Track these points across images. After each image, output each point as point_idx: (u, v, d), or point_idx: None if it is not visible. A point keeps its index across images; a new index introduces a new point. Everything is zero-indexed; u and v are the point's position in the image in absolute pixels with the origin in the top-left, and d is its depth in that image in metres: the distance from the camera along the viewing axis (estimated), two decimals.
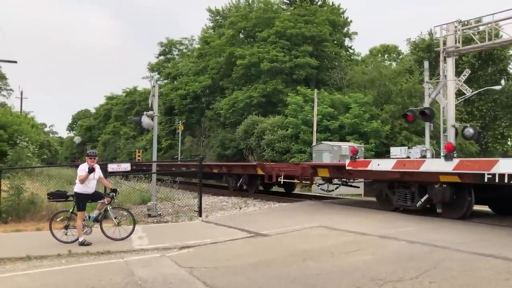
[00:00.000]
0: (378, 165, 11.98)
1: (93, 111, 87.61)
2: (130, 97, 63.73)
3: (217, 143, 38.75)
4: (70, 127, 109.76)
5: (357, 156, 12.99)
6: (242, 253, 8.51)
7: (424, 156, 16.16)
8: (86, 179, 9.51)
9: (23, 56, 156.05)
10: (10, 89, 55.38)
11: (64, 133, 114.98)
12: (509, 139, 41.25)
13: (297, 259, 7.61)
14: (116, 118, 66.21)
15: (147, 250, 9.12)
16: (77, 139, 69.82)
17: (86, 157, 10.04)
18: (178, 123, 41.38)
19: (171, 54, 63.54)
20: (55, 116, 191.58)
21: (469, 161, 9.35)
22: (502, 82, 39.47)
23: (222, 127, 41.08)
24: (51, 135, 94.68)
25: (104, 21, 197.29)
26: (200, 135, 44.01)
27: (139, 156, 42.49)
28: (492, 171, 8.66)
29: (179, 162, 32.10)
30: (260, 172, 18.94)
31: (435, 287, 5.69)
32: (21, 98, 51.50)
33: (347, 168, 13.01)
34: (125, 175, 20.48)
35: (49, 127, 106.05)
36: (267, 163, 21.80)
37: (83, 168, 9.66)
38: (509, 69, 40.18)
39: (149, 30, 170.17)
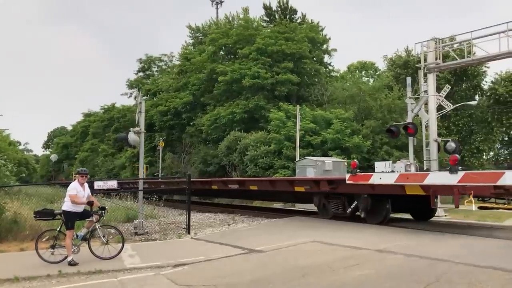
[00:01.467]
0: (380, 178, 11.99)
1: (69, 128, 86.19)
2: (108, 114, 62.91)
3: (199, 159, 38.48)
4: (46, 145, 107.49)
5: (357, 170, 12.99)
6: (239, 270, 8.37)
7: (408, 171, 16.37)
8: (78, 198, 9.29)
9: None
10: None
11: (39, 151, 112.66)
12: (484, 153, 42.24)
13: (297, 275, 7.52)
14: (94, 135, 65.17)
15: (140, 269, 8.90)
16: (54, 157, 68.23)
17: (77, 175, 9.80)
18: (159, 140, 40.99)
19: (150, 71, 63.21)
20: (30, 134, 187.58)
21: (474, 173, 9.47)
22: (476, 97, 40.54)
23: (203, 143, 40.88)
24: (25, 153, 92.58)
25: (81, 38, 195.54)
26: (181, 151, 43.65)
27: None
28: (499, 183, 8.75)
29: (168, 180, 31.46)
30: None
31: None
32: None
33: (347, 182, 12.95)
34: (107, 193, 20.07)
35: (24, 144, 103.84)
36: None
37: (73, 187, 9.43)
38: (482, 85, 41.36)
39: (127, 47, 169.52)
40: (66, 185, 10.40)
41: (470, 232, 11.41)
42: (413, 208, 15.36)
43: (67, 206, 9.40)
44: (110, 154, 57.14)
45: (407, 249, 8.89)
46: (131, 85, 62.46)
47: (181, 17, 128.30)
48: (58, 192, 25.97)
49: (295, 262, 8.51)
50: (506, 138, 48.21)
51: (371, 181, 12.16)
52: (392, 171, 15.75)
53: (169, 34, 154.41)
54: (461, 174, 9.53)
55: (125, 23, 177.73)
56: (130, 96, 64.07)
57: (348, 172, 13.54)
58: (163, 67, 63.00)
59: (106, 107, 65.94)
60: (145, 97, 55.41)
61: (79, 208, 9.48)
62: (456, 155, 10.53)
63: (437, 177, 10.38)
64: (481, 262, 7.38)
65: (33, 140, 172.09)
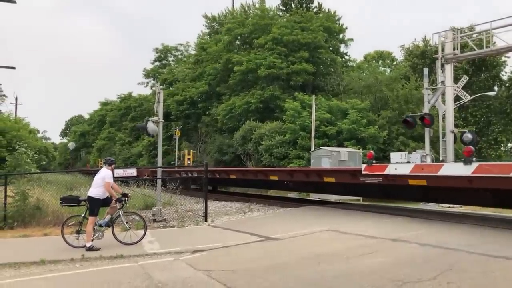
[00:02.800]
0: (396, 169, 12.07)
1: (87, 117, 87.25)
2: (125, 103, 63.55)
3: (214, 148, 38.80)
4: (64, 133, 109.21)
5: (373, 161, 13.08)
6: (256, 256, 8.61)
7: (423, 162, 16.38)
8: (115, 185, 9.70)
9: (16, 62, 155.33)
10: (3, 95, 55.29)
11: (57, 139, 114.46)
12: (502, 144, 41.72)
13: (312, 262, 7.73)
14: (111, 124, 65.97)
15: (159, 254, 9.20)
16: (71, 145, 69.35)
17: (105, 164, 10.13)
18: (175, 129, 41.35)
19: (166, 60, 63.59)
20: (48, 122, 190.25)
21: (488, 165, 9.51)
22: (495, 88, 39.97)
23: (219, 132, 41.15)
24: (43, 141, 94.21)
25: (98, 28, 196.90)
26: (196, 140, 44.04)
27: (188, 159, 39.44)
28: None
29: (186, 168, 31.72)
30: None
31: (454, 287, 5.84)
32: (16, 104, 51.37)
33: (363, 172, 13.07)
34: (125, 180, 20.48)
35: (42, 133, 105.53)
36: None
37: (110, 175, 9.78)
38: (501, 75, 40.73)
39: (142, 36, 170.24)
40: (88, 173, 10.74)
41: (483, 223, 11.47)
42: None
43: (93, 192, 9.74)
44: (127, 142, 57.86)
45: (421, 238, 9.02)
46: (147, 74, 62.97)
47: (197, 6, 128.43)
48: (78, 180, 26.57)
49: (311, 250, 8.71)
50: None
51: (386, 172, 12.23)
52: (408, 162, 15.83)
53: (185, 23, 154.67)
54: (475, 165, 9.56)
55: (141, 12, 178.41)
56: (146, 86, 64.72)
57: (363, 163, 13.61)
58: (179, 56, 63.31)
59: (123, 96, 66.65)
60: (161, 86, 55.88)
61: (104, 195, 9.82)
62: (471, 146, 10.52)
63: (452, 168, 10.41)
64: (493, 252, 7.48)
65: (51, 129, 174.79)
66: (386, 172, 12.20)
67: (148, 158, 47.60)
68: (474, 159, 9.61)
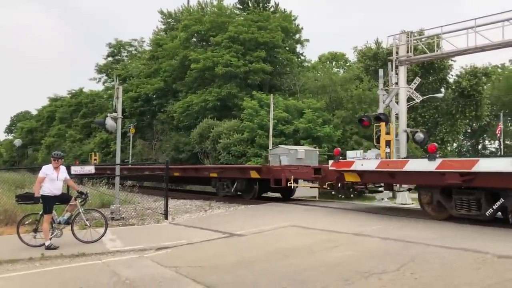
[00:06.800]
0: (362, 165, 12.38)
1: (34, 112, 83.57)
2: (76, 99, 61.31)
3: (170, 146, 38.28)
4: (9, 130, 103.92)
5: (339, 157, 13.38)
6: (222, 252, 8.63)
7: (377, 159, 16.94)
8: (42, 181, 9.29)
9: None
10: None
11: (1, 136, 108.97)
12: (448, 144, 43.83)
13: (280, 257, 7.84)
14: (60, 121, 63.46)
15: (123, 252, 9.03)
16: (18, 142, 66.09)
17: (51, 159, 9.76)
18: (129, 126, 40.44)
19: (120, 56, 61.98)
20: None
21: (451, 161, 9.98)
22: (442, 90, 41.90)
23: (175, 130, 40.64)
24: None
25: (46, 21, 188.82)
26: (151, 138, 43.27)
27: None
28: (473, 169, 9.28)
29: (146, 166, 31.34)
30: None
31: (417, 277, 6.12)
32: None
33: (330, 168, 13.37)
34: (79, 178, 19.86)
35: None
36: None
37: (43, 170, 9.44)
38: (448, 78, 42.76)
39: (94, 30, 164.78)
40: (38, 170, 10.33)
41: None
42: None
43: (44, 190, 9.39)
44: (78, 139, 55.92)
45: (382, 232, 9.36)
46: (100, 70, 61.12)
47: (151, 1, 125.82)
48: (26, 178, 25.41)
49: (277, 245, 8.84)
50: (469, 130, 50.22)
51: (352, 167, 12.55)
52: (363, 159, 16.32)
53: (139, 18, 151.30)
54: (439, 161, 10.02)
55: (92, 6, 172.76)
56: (98, 81, 62.76)
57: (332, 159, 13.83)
58: (133, 52, 61.92)
59: (73, 91, 64.35)
60: (114, 82, 54.48)
61: (56, 191, 9.50)
62: (435, 143, 11.04)
63: (417, 164, 10.83)
64: (451, 245, 7.89)
65: None
66: (352, 168, 12.52)
67: (100, 156, 46.26)
68: (437, 155, 10.06)
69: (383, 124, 18.95)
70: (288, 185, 16.11)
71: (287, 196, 19.19)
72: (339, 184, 13.67)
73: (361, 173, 12.71)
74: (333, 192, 14.84)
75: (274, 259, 7.69)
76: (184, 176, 24.48)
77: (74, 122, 59.31)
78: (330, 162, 13.31)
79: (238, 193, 19.44)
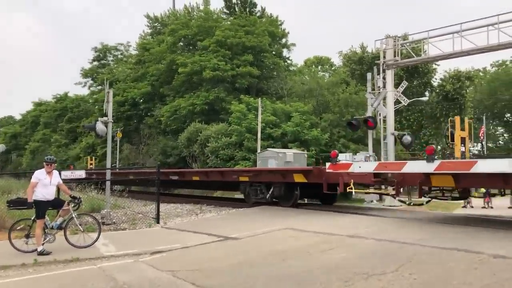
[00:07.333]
0: (360, 167, 12.40)
1: (18, 117, 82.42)
2: (61, 104, 60.71)
3: (158, 150, 38.15)
4: None
5: (337, 159, 13.38)
6: (218, 255, 8.62)
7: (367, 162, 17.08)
8: (34, 186, 9.19)
9: None
10: None
11: None
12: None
13: (277, 259, 7.87)
14: (45, 125, 62.70)
15: (117, 256, 8.95)
16: (1, 147, 64.96)
17: (44, 163, 9.65)
18: (116, 131, 40.17)
19: (105, 60, 61.57)
20: None
21: (449, 162, 10.11)
22: (427, 94, 42.54)
23: (163, 134, 40.50)
24: None
25: (31, 23, 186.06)
26: (138, 142, 43.05)
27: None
28: (471, 171, 9.39)
29: (138, 170, 31.18)
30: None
31: (416, 278, 6.20)
32: None
33: (327, 170, 13.31)
34: (68, 183, 19.69)
35: None
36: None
37: (35, 175, 9.33)
38: (432, 81, 43.44)
39: (79, 35, 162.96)
40: (25, 176, 10.23)
41: (428, 219, 12.24)
42: None
43: (37, 195, 9.29)
44: (64, 144, 55.33)
45: (377, 234, 9.44)
46: (85, 74, 60.59)
47: (137, 5, 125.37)
48: (11, 184, 25.03)
49: (273, 248, 8.86)
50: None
51: (350, 170, 12.55)
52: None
53: (125, 22, 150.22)
54: (437, 162, 10.03)
55: (78, 9, 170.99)
56: (84, 86, 62.23)
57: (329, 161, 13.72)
58: (119, 56, 61.57)
59: (58, 96, 63.68)
60: (100, 86, 54.04)
61: (49, 196, 9.40)
62: (433, 145, 11.19)
63: (415, 166, 10.91)
64: (445, 245, 8.01)
65: None
66: (350, 170, 12.55)
67: (86, 161, 45.83)
68: (436, 157, 10.19)
69: (457, 118, 18.93)
70: (348, 190, 13.24)
71: (328, 202, 17.28)
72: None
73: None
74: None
75: (272, 262, 7.71)
76: (205, 181, 21.49)
77: (59, 126, 58.71)
78: (328, 164, 13.31)
79: (274, 199, 16.85)
